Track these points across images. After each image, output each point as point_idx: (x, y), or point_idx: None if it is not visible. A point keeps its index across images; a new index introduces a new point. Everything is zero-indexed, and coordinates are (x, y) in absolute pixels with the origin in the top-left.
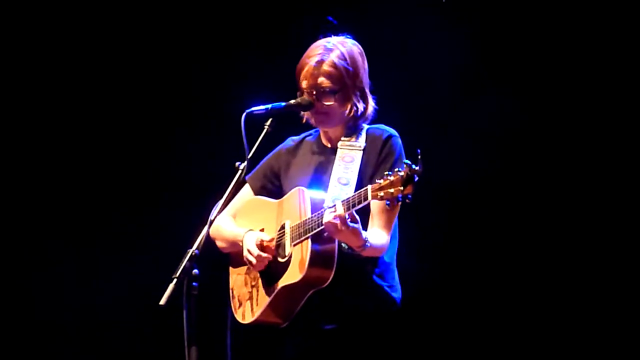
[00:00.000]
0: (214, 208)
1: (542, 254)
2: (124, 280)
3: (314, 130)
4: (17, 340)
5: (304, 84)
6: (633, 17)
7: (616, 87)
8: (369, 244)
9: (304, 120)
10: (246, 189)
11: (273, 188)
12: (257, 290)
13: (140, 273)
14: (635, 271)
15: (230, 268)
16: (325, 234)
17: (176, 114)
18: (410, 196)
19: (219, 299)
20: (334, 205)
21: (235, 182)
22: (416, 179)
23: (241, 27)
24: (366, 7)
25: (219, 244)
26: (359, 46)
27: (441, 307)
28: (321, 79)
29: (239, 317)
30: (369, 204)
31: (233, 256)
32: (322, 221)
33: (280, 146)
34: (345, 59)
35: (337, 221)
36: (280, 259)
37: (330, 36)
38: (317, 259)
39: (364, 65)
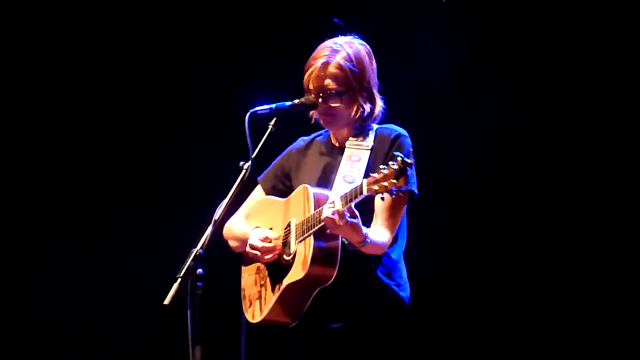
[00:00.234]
0: (218, 207)
1: (542, 254)
2: (125, 280)
3: (324, 130)
4: (17, 340)
5: (311, 85)
6: (633, 17)
7: (616, 87)
8: (369, 240)
9: (313, 121)
10: (258, 190)
11: (284, 188)
12: (266, 290)
13: (141, 273)
14: (635, 271)
15: (242, 268)
16: (328, 231)
17: (178, 113)
18: (403, 188)
19: (227, 298)
20: (334, 201)
21: (240, 182)
22: (409, 171)
23: (243, 26)
24: (366, 7)
25: (231, 243)
26: (367, 46)
27: (441, 307)
28: (327, 81)
29: (249, 317)
30: (373, 202)
31: (244, 256)
32: (322, 217)
33: (291, 146)
34: (351, 60)
35: (336, 216)
36: (286, 257)
37: (338, 36)
38: (320, 256)
39: (371, 66)
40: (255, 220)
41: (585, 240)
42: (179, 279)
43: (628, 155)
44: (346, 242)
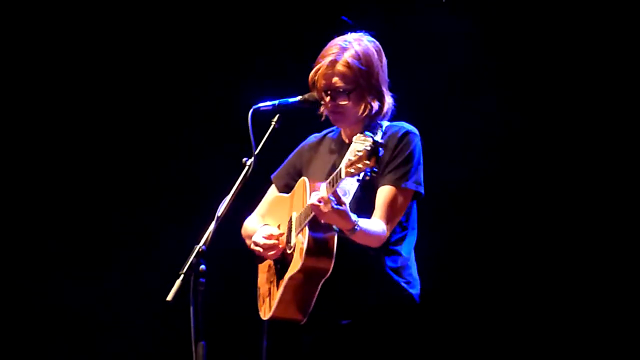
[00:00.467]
0: (221, 204)
1: (542, 254)
2: (125, 279)
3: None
4: (17, 340)
5: (319, 83)
6: (633, 17)
7: (616, 88)
8: (358, 228)
9: (323, 118)
10: (272, 188)
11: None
12: (274, 286)
13: (143, 272)
14: (635, 271)
15: (259, 266)
16: (322, 221)
17: (178, 112)
18: (375, 169)
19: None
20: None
21: (243, 178)
22: (381, 152)
23: (244, 25)
24: (366, 7)
25: (247, 242)
26: (377, 43)
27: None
28: (335, 79)
29: (261, 314)
30: (374, 194)
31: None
32: (308, 204)
33: (303, 143)
34: (359, 58)
35: (321, 203)
36: (288, 251)
37: (347, 33)
38: (315, 246)
39: (380, 63)
40: (270, 218)
41: (585, 240)
42: (182, 276)
43: (628, 154)
44: (337, 230)
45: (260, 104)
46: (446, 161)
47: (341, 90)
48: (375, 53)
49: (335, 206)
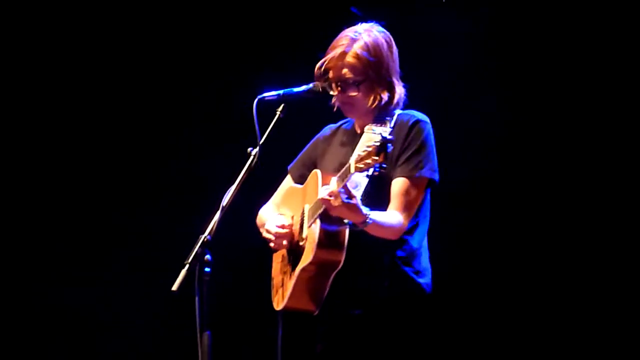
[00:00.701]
0: (226, 194)
1: (542, 254)
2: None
3: None
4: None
5: (330, 74)
6: (633, 17)
7: (616, 88)
8: (370, 220)
9: (335, 109)
10: (288, 178)
11: None
12: (287, 277)
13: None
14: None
15: (273, 256)
16: (333, 214)
17: (179, 111)
18: (384, 165)
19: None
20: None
21: (248, 168)
22: (390, 148)
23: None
24: (365, 5)
25: (261, 230)
26: (387, 34)
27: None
28: (344, 70)
29: (274, 304)
30: (389, 185)
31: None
32: (319, 198)
33: (318, 135)
34: (368, 50)
35: (332, 197)
36: (300, 243)
37: (358, 24)
38: (326, 239)
39: (390, 54)
40: (284, 208)
41: (585, 240)
42: (187, 265)
43: (628, 153)
44: (349, 223)
45: (265, 94)
46: (446, 161)
47: (351, 81)
48: (385, 44)
49: (346, 200)
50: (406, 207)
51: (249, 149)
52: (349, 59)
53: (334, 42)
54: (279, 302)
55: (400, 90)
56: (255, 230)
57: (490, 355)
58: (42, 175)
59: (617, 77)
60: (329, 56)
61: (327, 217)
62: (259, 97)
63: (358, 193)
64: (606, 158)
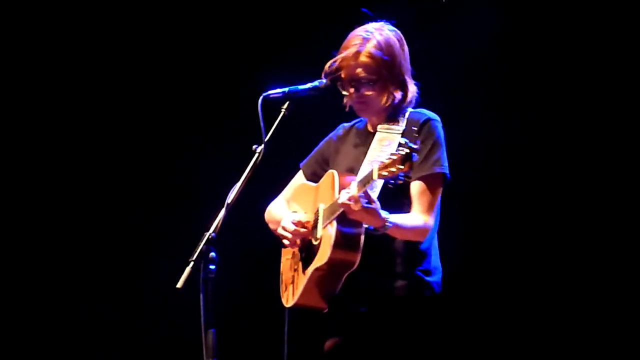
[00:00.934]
0: (231, 191)
1: (542, 254)
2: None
3: None
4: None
5: (342, 73)
6: (633, 18)
7: (617, 88)
8: (389, 224)
9: (348, 108)
10: (299, 175)
11: (323, 174)
12: (298, 274)
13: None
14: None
15: (282, 252)
16: (352, 218)
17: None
18: (409, 173)
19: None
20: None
21: (253, 165)
22: (415, 157)
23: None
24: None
25: (271, 226)
26: (398, 32)
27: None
28: (358, 70)
29: (283, 301)
30: (409, 188)
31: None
32: (339, 202)
33: (332, 133)
34: (381, 49)
35: (351, 202)
36: (314, 242)
37: (368, 23)
38: (342, 241)
39: (402, 52)
40: (295, 205)
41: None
42: (192, 263)
43: (629, 152)
44: (368, 227)
45: (270, 91)
46: (456, 160)
47: (364, 81)
48: (397, 42)
49: (366, 205)
50: (429, 207)
51: (254, 147)
52: (363, 58)
53: (346, 42)
54: (288, 299)
55: (412, 89)
56: (260, 227)
57: (499, 354)
58: (43, 177)
59: (619, 77)
60: (341, 55)
61: (345, 219)
62: (264, 94)
63: (374, 194)
64: (608, 158)
